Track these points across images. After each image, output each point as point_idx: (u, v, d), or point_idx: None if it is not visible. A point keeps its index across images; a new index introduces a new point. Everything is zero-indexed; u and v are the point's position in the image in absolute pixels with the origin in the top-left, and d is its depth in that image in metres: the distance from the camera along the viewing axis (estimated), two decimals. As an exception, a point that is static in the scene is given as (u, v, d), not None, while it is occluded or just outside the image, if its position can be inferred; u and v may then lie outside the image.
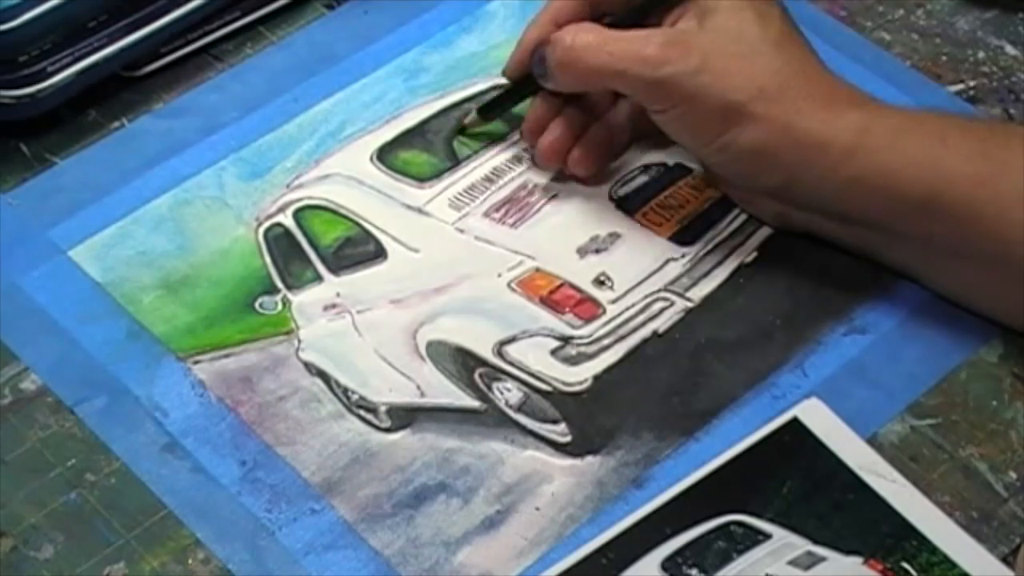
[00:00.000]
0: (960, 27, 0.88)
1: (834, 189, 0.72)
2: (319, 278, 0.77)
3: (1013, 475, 0.70)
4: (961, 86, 0.85)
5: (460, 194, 0.80)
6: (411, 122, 0.83)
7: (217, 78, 0.85)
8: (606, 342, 0.75)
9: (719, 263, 0.78)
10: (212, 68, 0.86)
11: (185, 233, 0.79)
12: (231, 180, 0.81)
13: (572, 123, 0.79)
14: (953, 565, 0.66)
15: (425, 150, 0.82)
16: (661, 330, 0.75)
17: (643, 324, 0.75)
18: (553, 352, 0.74)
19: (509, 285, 0.77)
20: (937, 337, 0.75)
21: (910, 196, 0.71)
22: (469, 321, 0.75)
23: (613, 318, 0.75)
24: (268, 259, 0.78)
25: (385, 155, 0.82)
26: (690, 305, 0.76)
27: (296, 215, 0.80)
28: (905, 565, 0.66)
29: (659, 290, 0.77)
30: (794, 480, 0.69)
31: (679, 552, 0.67)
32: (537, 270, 0.77)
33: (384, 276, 0.77)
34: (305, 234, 0.79)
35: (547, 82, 0.77)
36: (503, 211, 0.80)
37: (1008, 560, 0.67)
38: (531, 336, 0.75)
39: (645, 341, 0.75)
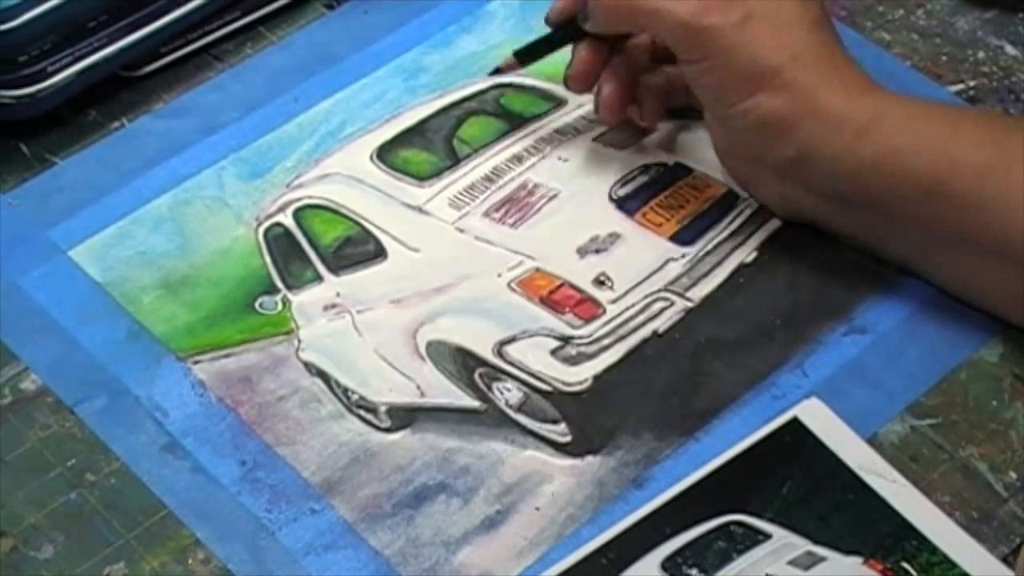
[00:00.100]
0: (960, 27, 0.88)
1: (844, 168, 0.73)
2: (319, 278, 0.77)
3: (1013, 475, 0.70)
4: (961, 86, 0.85)
5: (460, 193, 0.80)
6: (411, 121, 0.83)
7: (217, 78, 0.85)
8: (606, 342, 0.75)
9: (719, 263, 0.78)
10: (212, 68, 0.86)
11: (185, 233, 0.79)
12: (231, 180, 0.81)
13: (621, 74, 0.80)
14: (953, 565, 0.66)
15: (425, 148, 0.82)
16: (661, 330, 0.75)
17: (643, 324, 0.75)
18: (553, 352, 0.74)
19: (509, 285, 0.77)
20: (937, 337, 0.75)
21: (918, 180, 0.71)
22: (469, 321, 0.75)
23: (613, 318, 0.75)
24: (268, 259, 0.78)
25: (385, 154, 0.82)
26: (690, 305, 0.76)
27: (296, 215, 0.80)
28: (905, 565, 0.66)
29: (659, 290, 0.77)
30: (794, 480, 0.69)
31: (679, 552, 0.67)
32: (537, 270, 0.77)
33: (384, 276, 0.77)
34: (305, 234, 0.79)
35: (587, 22, 0.78)
36: (503, 211, 0.80)
37: (1008, 560, 0.67)
38: (531, 336, 0.75)
39: (645, 341, 0.75)
